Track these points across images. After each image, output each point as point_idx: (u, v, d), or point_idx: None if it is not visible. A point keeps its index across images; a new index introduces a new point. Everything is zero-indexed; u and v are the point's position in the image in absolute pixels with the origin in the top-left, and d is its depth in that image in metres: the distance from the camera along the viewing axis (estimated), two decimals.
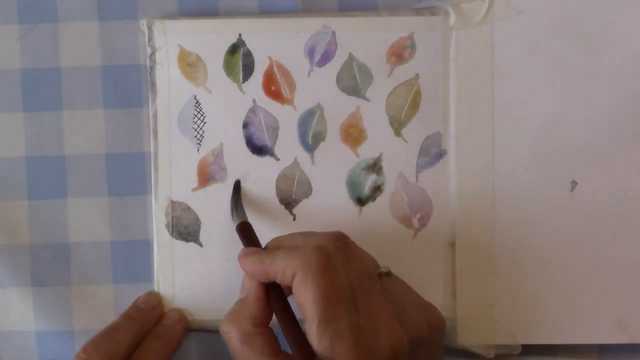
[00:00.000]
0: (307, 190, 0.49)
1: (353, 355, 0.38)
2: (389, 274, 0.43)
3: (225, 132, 0.49)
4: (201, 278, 0.49)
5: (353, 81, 0.49)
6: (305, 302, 0.39)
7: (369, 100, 0.49)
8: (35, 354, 0.49)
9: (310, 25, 0.49)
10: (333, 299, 0.38)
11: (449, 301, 0.48)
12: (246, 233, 0.45)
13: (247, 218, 0.46)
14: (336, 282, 0.39)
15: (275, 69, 0.49)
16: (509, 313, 0.48)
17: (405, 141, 0.49)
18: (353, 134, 0.49)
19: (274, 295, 0.42)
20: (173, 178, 0.49)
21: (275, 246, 0.43)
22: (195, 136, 0.49)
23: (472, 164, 0.48)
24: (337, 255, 0.40)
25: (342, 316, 0.38)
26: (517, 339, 0.48)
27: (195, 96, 0.49)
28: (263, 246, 0.44)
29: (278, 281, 0.41)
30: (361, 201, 0.49)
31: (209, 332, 0.49)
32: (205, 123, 0.49)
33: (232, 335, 0.41)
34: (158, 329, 0.47)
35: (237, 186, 0.48)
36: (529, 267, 0.48)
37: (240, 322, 0.41)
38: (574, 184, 0.48)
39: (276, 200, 0.49)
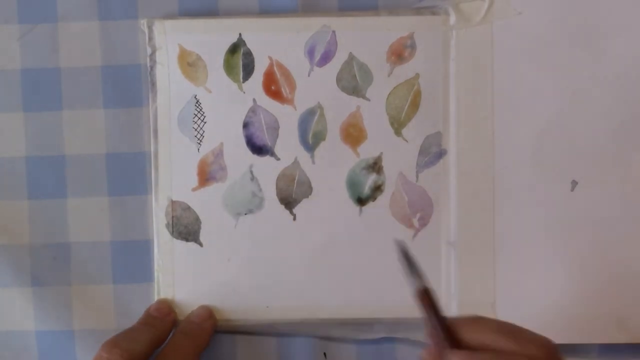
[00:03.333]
0: (307, 190, 0.49)
1: None
2: None
3: (225, 132, 0.49)
4: (201, 278, 0.49)
5: (353, 81, 0.49)
6: None
7: (369, 100, 0.49)
8: (35, 354, 0.49)
9: (310, 25, 0.49)
10: None
11: (449, 301, 0.48)
12: (429, 303, 0.39)
13: (426, 280, 0.39)
14: None
15: (275, 68, 0.49)
16: (509, 313, 0.48)
17: (406, 141, 0.49)
18: (353, 134, 0.49)
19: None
20: (173, 178, 0.49)
21: (476, 336, 0.37)
22: (196, 136, 0.49)
23: (472, 164, 0.48)
24: None
25: None
26: None
27: (196, 96, 0.49)
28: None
29: None
30: (361, 201, 0.49)
31: None
32: (205, 123, 0.49)
33: None
34: (187, 326, 0.47)
35: (404, 247, 0.41)
36: (529, 267, 0.48)
37: None
38: (574, 184, 0.48)
39: (276, 200, 0.49)
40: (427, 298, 0.38)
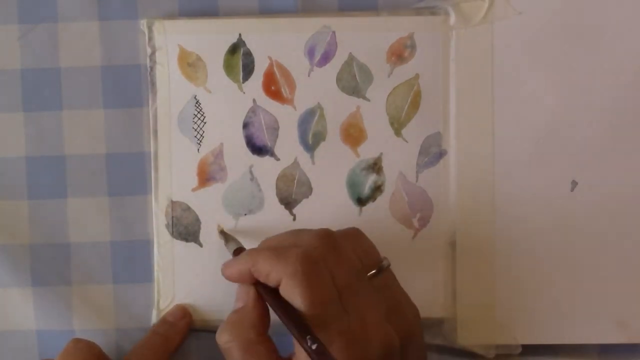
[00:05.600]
0: (307, 190, 0.49)
1: (344, 358, 0.38)
2: (387, 266, 0.43)
3: (225, 132, 0.49)
4: (201, 278, 0.49)
5: (353, 81, 0.49)
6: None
7: (369, 100, 0.49)
8: (36, 354, 0.49)
9: (310, 25, 0.49)
10: (319, 307, 0.38)
11: (449, 301, 0.49)
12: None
13: (241, 244, 0.46)
14: (322, 289, 0.39)
15: (275, 69, 0.49)
16: (509, 313, 0.48)
17: (405, 141, 0.49)
18: (353, 134, 0.49)
19: (271, 297, 0.41)
20: (173, 178, 0.49)
21: (263, 245, 0.43)
22: (195, 136, 0.49)
23: (472, 164, 0.48)
24: (323, 257, 0.40)
25: (331, 322, 0.38)
26: (517, 339, 0.48)
27: (195, 96, 0.49)
28: None
29: (262, 281, 0.41)
30: (361, 201, 0.49)
31: (209, 332, 0.49)
32: (205, 123, 0.49)
33: (233, 345, 0.41)
34: (159, 326, 0.48)
35: (223, 232, 0.49)
36: (529, 267, 0.48)
37: (241, 330, 0.41)
38: (574, 184, 0.48)
39: (276, 200, 0.49)
40: (237, 253, 0.45)
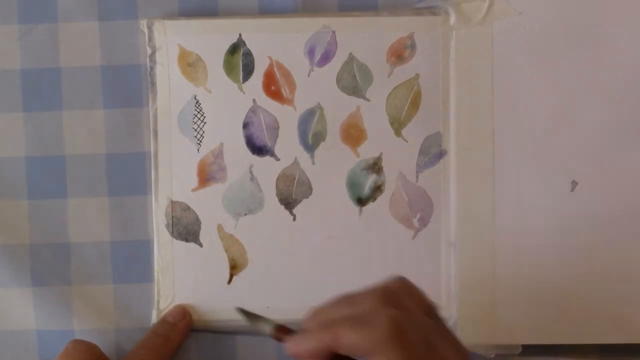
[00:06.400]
0: (307, 190, 0.49)
1: None
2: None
3: (225, 132, 0.49)
4: (201, 278, 0.49)
5: (353, 81, 0.49)
6: None
7: (369, 100, 0.49)
8: (36, 353, 0.49)
9: (310, 25, 0.49)
10: None
11: (449, 301, 0.49)
12: (287, 332, 0.40)
13: (272, 321, 0.41)
14: (418, 352, 0.36)
15: (275, 69, 0.49)
16: (510, 313, 0.48)
17: (406, 141, 0.49)
18: (353, 134, 0.49)
19: None
20: (173, 178, 0.49)
21: (319, 319, 0.39)
22: (195, 136, 0.49)
23: (472, 164, 0.48)
24: (407, 320, 0.37)
25: None
26: (518, 339, 0.48)
27: (195, 96, 0.49)
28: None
29: (341, 352, 0.37)
30: (361, 201, 0.49)
31: (209, 332, 0.49)
32: (205, 123, 0.49)
33: None
34: (159, 326, 0.48)
35: (240, 308, 0.43)
36: (529, 267, 0.48)
37: None
38: (574, 184, 0.48)
39: (276, 200, 0.49)
40: (281, 331, 0.40)
